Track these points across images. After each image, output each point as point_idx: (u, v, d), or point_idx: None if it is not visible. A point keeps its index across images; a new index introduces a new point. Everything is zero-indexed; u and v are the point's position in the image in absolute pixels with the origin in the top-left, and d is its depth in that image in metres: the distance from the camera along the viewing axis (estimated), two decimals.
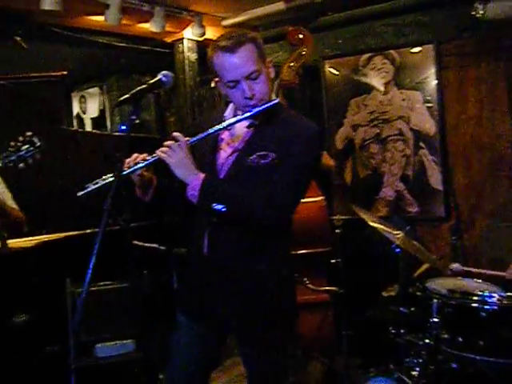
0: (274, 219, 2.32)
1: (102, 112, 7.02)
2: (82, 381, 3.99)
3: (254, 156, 2.35)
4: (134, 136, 2.32)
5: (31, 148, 2.72)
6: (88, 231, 4.54)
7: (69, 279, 4.08)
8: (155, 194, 2.51)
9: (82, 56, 5.72)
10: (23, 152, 2.73)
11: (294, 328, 2.58)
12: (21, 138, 2.75)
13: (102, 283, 3.97)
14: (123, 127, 5.69)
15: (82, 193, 2.40)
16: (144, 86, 2.29)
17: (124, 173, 2.30)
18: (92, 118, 7.21)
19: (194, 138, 2.36)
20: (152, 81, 2.32)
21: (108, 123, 6.90)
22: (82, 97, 7.26)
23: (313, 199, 4.05)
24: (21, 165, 2.75)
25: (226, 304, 2.42)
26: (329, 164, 4.52)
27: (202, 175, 2.32)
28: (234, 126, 2.48)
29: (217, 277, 2.43)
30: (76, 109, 7.31)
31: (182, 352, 2.59)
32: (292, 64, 4.20)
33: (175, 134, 2.34)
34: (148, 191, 2.50)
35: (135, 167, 2.35)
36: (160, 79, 2.32)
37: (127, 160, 2.34)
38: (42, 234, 4.42)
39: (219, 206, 2.28)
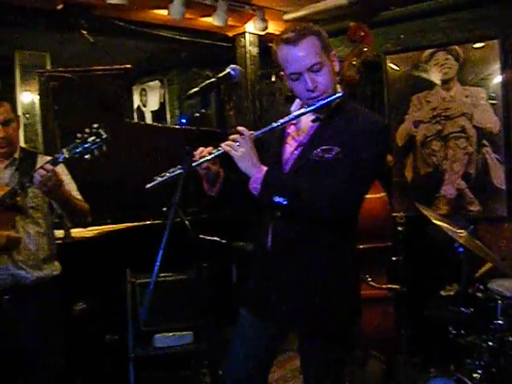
0: (336, 214, 2.29)
1: (162, 105, 7.10)
2: (139, 370, 4.05)
3: (319, 150, 2.34)
4: (198, 129, 2.31)
5: (98, 140, 2.75)
6: (148, 223, 4.61)
7: (129, 269, 4.13)
8: (222, 188, 2.52)
9: (144, 49, 5.79)
10: (90, 144, 2.75)
11: (356, 327, 2.54)
12: (87, 130, 2.77)
13: (162, 274, 4.01)
14: (183, 120, 5.75)
15: (150, 185, 2.43)
16: (213, 80, 2.31)
17: (192, 165, 2.32)
18: (152, 111, 7.29)
19: (258, 132, 2.37)
20: (221, 74, 2.33)
21: (168, 116, 6.97)
22: (143, 90, 7.35)
23: (375, 195, 4.01)
24: (87, 156, 2.77)
25: (289, 300, 2.40)
26: (388, 159, 4.47)
27: (265, 168, 2.32)
28: (300, 121, 2.47)
29: (280, 273, 2.42)
30: (137, 102, 7.41)
31: (242, 346, 2.60)
32: (353, 60, 4.17)
33: (240, 127, 2.35)
34: (215, 185, 2.51)
35: (201, 160, 2.36)
36: (229, 73, 2.33)
37: (194, 153, 2.36)
38: (105, 225, 4.51)
39: (280, 199, 2.28)
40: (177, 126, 5.73)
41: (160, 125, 6.42)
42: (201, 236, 3.93)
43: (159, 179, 2.41)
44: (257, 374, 2.62)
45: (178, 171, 2.34)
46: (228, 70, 2.34)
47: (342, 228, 2.39)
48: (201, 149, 2.40)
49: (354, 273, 2.54)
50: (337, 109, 2.39)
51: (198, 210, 3.82)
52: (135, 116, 7.31)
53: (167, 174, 2.39)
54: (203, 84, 2.26)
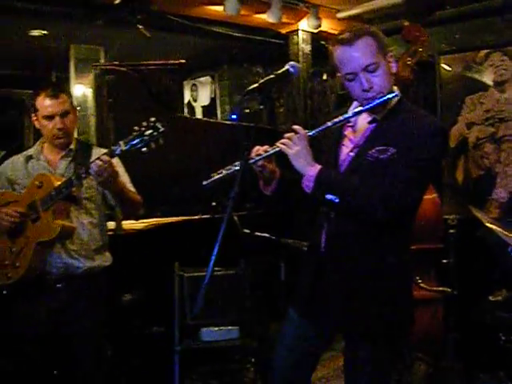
0: (388, 214, 2.26)
1: (212, 100, 7.13)
2: (185, 363, 4.08)
3: (374, 150, 2.32)
4: (254, 126, 2.33)
5: (155, 133, 2.76)
6: (197, 217, 4.65)
7: (177, 263, 4.17)
8: (277, 187, 2.52)
9: (196, 45, 5.82)
10: (147, 136, 2.77)
11: (407, 333, 2.52)
12: (144, 123, 2.79)
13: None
14: (234, 116, 5.77)
15: (207, 182, 2.45)
16: (272, 76, 2.31)
17: (248, 162, 2.33)
18: (202, 106, 7.33)
19: (314, 131, 2.37)
20: (280, 71, 2.33)
21: (218, 112, 7.00)
22: (194, 85, 7.39)
23: (427, 196, 3.97)
24: (144, 149, 2.80)
25: (340, 301, 2.39)
26: None
27: (319, 167, 2.32)
28: (357, 122, 2.46)
29: (332, 275, 2.41)
30: (187, 97, 7.45)
31: (288, 346, 2.60)
32: (407, 60, 4.15)
33: (295, 126, 2.35)
34: (270, 184, 2.52)
35: (257, 158, 2.37)
36: (288, 69, 2.33)
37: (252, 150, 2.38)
38: (155, 218, 4.56)
39: (332, 197, 2.27)
40: (228, 122, 5.75)
41: (212, 120, 6.45)
42: (251, 232, 3.94)
43: (216, 176, 2.43)
44: (301, 374, 2.62)
45: (235, 168, 2.35)
46: (287, 66, 2.34)
47: (396, 230, 2.37)
48: (257, 147, 2.41)
49: (408, 276, 2.52)
50: (393, 110, 2.38)
51: (251, 206, 3.83)
52: (186, 111, 7.35)
53: (223, 171, 2.40)
54: (262, 80, 2.27)
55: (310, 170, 2.31)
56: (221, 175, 2.41)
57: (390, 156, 2.29)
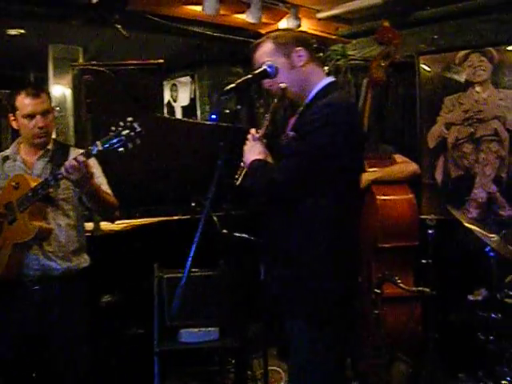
0: (274, 196, 2.47)
1: (192, 101, 7.10)
2: (164, 365, 4.06)
3: (283, 136, 2.56)
4: (231, 126, 2.34)
5: (132, 133, 2.75)
6: (176, 218, 4.62)
7: (157, 264, 4.15)
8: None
9: (176, 45, 5.79)
10: (124, 137, 2.76)
11: (346, 314, 2.56)
12: (121, 124, 2.78)
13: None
14: (213, 116, 5.76)
15: (239, 181, 2.62)
16: (249, 76, 2.32)
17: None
18: (182, 107, 7.29)
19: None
20: (257, 71, 2.34)
21: (198, 112, 6.96)
22: (174, 85, 7.36)
23: (403, 196, 4.16)
24: (121, 149, 2.79)
25: (276, 289, 2.58)
26: (409, 170, 4.41)
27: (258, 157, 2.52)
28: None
29: (270, 262, 2.64)
30: (167, 97, 7.41)
31: None
32: (381, 62, 4.20)
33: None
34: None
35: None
36: (265, 70, 2.34)
37: None
38: (134, 219, 4.53)
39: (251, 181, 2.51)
40: (208, 122, 5.74)
41: (192, 120, 6.42)
42: (230, 232, 3.93)
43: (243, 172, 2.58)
44: None
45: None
46: (264, 67, 2.35)
47: (310, 210, 2.45)
48: None
49: (335, 259, 2.50)
50: (311, 102, 2.53)
51: (229, 207, 3.82)
52: (165, 111, 7.31)
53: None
54: (239, 81, 2.27)
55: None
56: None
57: (289, 140, 2.50)
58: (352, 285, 2.63)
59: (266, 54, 2.56)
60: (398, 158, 4.44)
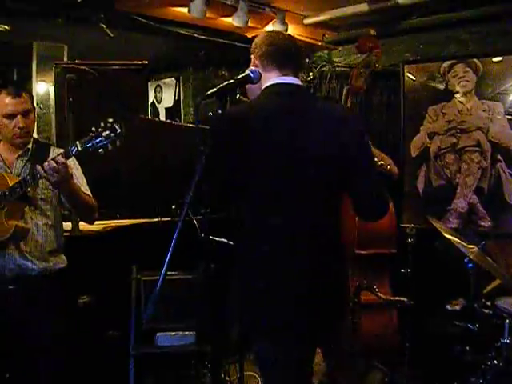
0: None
1: (176, 102, 7.08)
2: (140, 368, 4.04)
3: None
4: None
5: (112, 134, 2.73)
6: (156, 220, 4.59)
7: (135, 266, 4.12)
8: None
9: (161, 46, 5.78)
10: (104, 138, 2.74)
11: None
12: (102, 124, 2.76)
13: (168, 273, 3.98)
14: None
15: None
16: (231, 81, 2.30)
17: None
18: (166, 108, 7.28)
19: None
20: (240, 76, 2.32)
21: (182, 114, 6.95)
22: (158, 86, 7.34)
23: None
24: (100, 150, 2.77)
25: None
26: (391, 170, 4.43)
27: None
28: None
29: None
30: (151, 98, 7.39)
31: None
32: (361, 71, 4.22)
33: None
34: None
35: None
36: (248, 75, 2.32)
37: None
38: (114, 220, 4.50)
39: None
40: (191, 125, 5.71)
41: (175, 122, 6.40)
42: (209, 236, 3.92)
43: None
44: None
45: None
46: (248, 71, 2.33)
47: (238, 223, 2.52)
48: None
49: (251, 272, 2.54)
50: None
51: (208, 210, 3.79)
52: (149, 112, 7.29)
53: None
54: (221, 85, 2.25)
55: None
56: None
57: None
58: None
59: None
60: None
